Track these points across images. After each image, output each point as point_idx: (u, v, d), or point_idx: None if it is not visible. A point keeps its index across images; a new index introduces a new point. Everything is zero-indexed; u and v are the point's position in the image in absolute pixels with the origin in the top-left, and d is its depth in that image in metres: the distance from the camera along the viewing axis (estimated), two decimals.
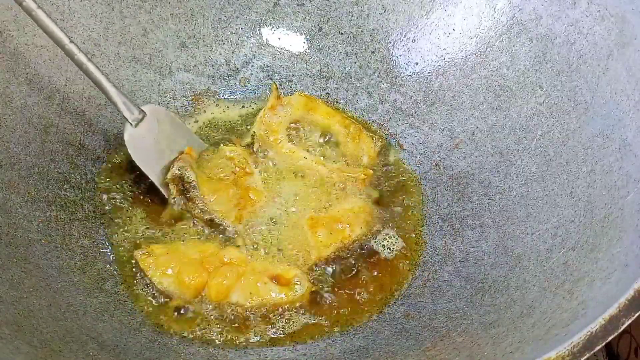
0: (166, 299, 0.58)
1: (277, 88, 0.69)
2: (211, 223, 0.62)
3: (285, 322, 0.58)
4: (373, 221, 0.64)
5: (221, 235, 0.62)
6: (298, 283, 0.58)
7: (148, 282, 0.58)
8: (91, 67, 0.59)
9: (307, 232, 0.62)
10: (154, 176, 0.63)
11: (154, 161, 0.63)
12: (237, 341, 0.56)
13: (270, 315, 0.58)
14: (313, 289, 0.59)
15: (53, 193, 0.61)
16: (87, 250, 0.60)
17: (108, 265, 0.60)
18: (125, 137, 0.61)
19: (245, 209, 0.63)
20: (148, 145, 0.63)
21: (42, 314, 0.52)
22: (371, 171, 0.67)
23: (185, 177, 0.62)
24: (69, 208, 0.61)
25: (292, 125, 0.69)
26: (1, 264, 0.53)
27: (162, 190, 0.63)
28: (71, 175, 0.63)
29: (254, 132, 0.68)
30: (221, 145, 0.67)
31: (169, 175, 0.62)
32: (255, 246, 0.61)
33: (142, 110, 0.62)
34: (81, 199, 0.63)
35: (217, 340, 0.56)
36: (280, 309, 0.58)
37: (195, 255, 0.59)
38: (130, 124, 0.61)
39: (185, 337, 0.56)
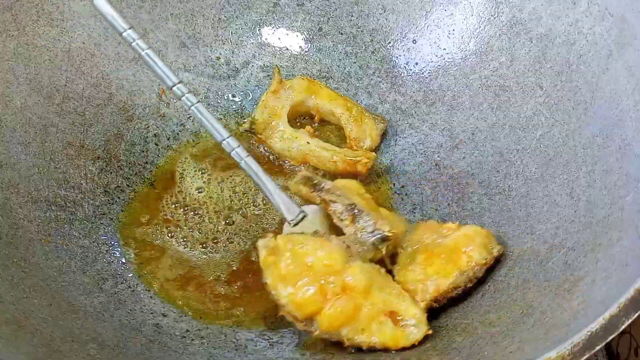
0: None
1: (279, 71, 0.68)
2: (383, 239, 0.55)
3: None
4: (491, 244, 0.56)
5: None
6: (413, 325, 0.52)
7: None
8: (254, 166, 0.59)
9: (422, 264, 0.55)
10: None
11: None
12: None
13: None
14: (429, 332, 0.52)
15: (53, 193, 0.61)
16: (87, 250, 0.60)
17: (108, 265, 0.60)
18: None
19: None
20: None
21: (42, 314, 0.51)
22: (374, 154, 0.66)
23: (316, 180, 0.59)
24: (69, 208, 0.61)
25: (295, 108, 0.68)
26: (1, 264, 0.53)
27: None
28: (71, 175, 0.63)
29: (254, 117, 0.67)
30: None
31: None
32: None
33: (303, 211, 0.59)
34: (81, 199, 0.63)
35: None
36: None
37: (320, 268, 0.52)
38: (289, 223, 0.59)
39: (185, 337, 0.56)
